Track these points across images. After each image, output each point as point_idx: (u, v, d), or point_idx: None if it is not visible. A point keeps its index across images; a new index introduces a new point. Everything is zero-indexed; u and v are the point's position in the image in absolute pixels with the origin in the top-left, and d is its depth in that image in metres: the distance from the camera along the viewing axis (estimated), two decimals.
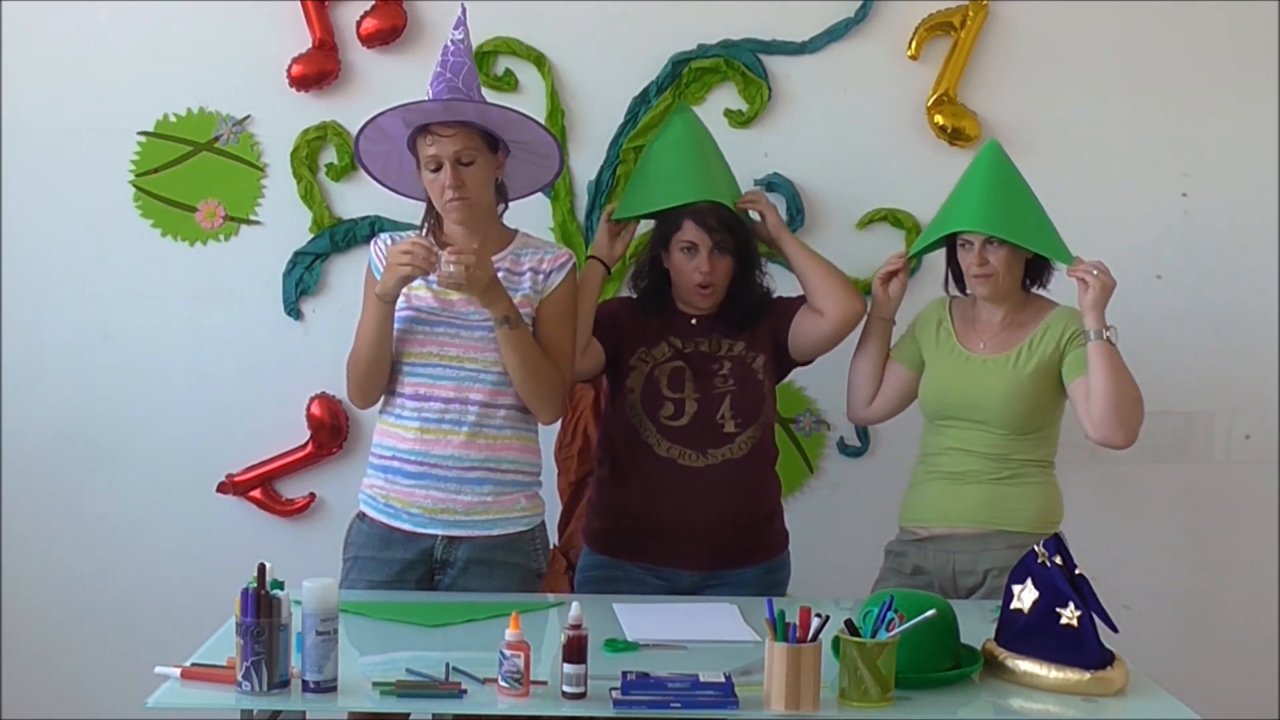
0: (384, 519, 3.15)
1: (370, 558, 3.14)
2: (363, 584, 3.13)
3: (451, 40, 3.14)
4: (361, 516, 3.20)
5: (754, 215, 3.42)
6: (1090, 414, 3.12)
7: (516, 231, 3.24)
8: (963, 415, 3.23)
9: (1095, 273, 3.11)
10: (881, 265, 3.40)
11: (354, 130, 3.77)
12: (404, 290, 3.10)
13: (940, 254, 3.38)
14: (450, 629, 2.85)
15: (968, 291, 3.30)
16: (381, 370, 3.12)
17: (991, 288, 3.21)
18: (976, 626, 2.78)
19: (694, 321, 3.34)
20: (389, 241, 3.15)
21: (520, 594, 3.13)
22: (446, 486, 3.11)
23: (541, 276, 3.16)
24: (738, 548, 3.28)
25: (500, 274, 3.11)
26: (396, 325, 3.12)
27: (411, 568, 3.13)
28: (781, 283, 3.54)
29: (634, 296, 3.44)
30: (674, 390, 3.27)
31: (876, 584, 3.29)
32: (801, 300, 3.35)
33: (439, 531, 3.12)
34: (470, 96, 3.09)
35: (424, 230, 3.19)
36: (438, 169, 3.06)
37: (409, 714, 2.67)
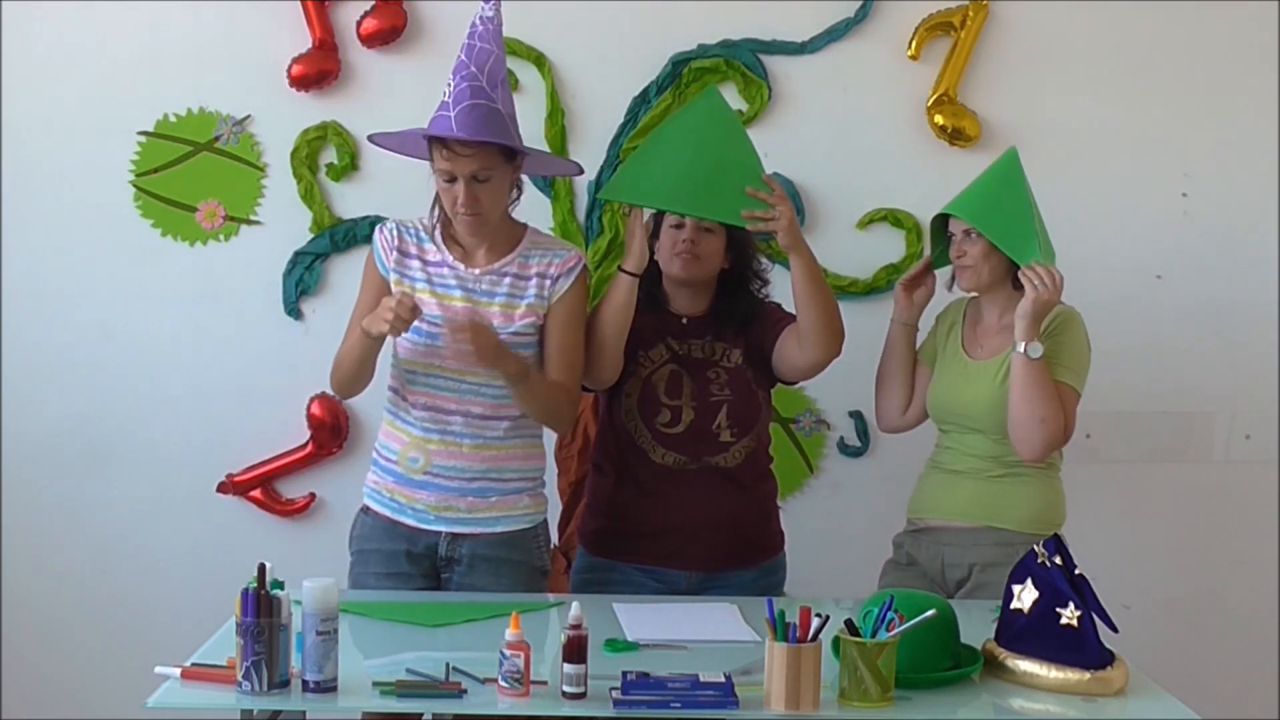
0: (388, 513, 3.13)
1: (375, 550, 3.13)
2: (370, 576, 3.13)
3: (481, 18, 3.02)
4: (366, 510, 3.18)
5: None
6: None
7: (525, 228, 3.18)
8: (957, 420, 3.23)
9: (1037, 282, 3.03)
10: (892, 267, 3.38)
11: (355, 130, 3.81)
12: (407, 293, 3.08)
13: None
14: (450, 629, 2.85)
15: (956, 286, 3.30)
16: (363, 383, 3.14)
17: (970, 280, 3.20)
18: (976, 626, 2.78)
19: (685, 321, 3.31)
20: (395, 230, 3.13)
21: (526, 593, 3.13)
22: (449, 492, 3.10)
23: (549, 282, 3.11)
24: (734, 550, 3.27)
25: (507, 279, 3.09)
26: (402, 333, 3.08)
27: (416, 560, 3.12)
28: (779, 280, 3.54)
29: None
30: (671, 397, 3.26)
31: (881, 575, 3.31)
32: (791, 318, 3.27)
33: (443, 528, 3.11)
34: (493, 100, 2.97)
35: (434, 223, 3.12)
36: (451, 180, 3.00)
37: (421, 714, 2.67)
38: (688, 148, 3.12)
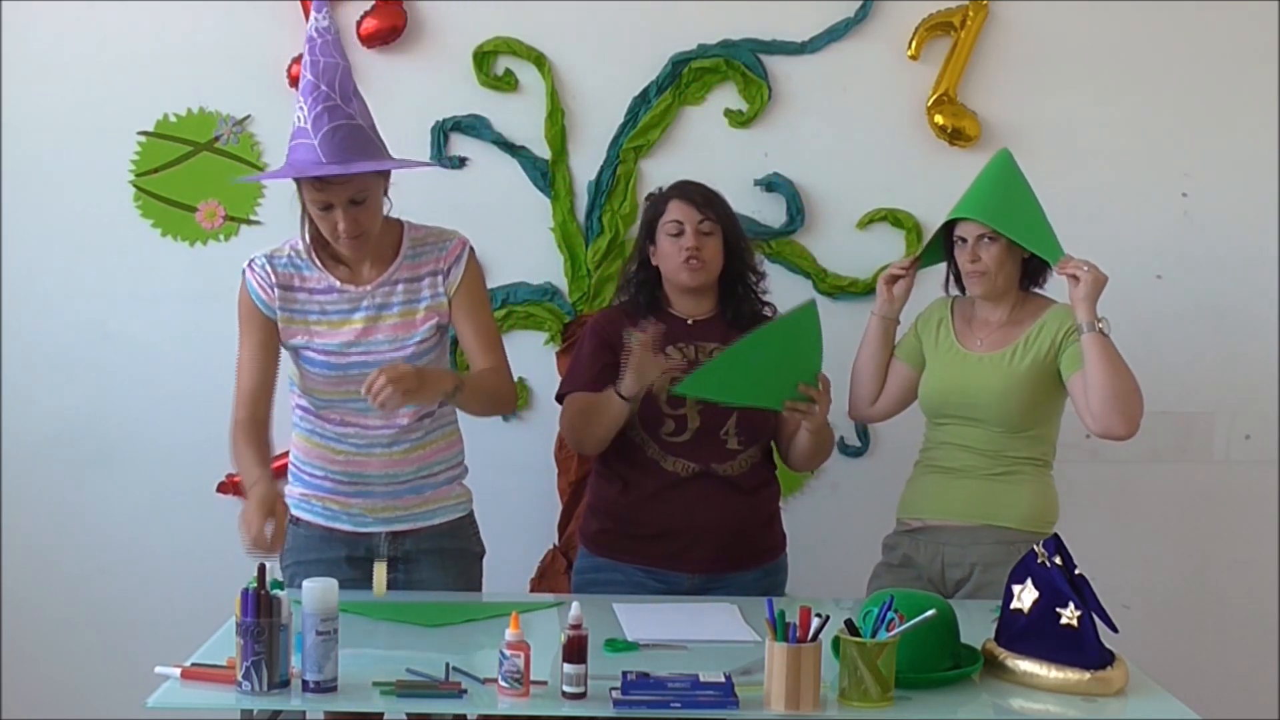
0: (322, 521, 3.08)
1: (315, 560, 3.07)
2: None
3: (316, 30, 2.91)
4: (295, 521, 3.11)
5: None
6: (1089, 406, 3.12)
7: (400, 225, 3.07)
8: (959, 412, 3.23)
9: (1085, 268, 3.10)
10: (887, 266, 3.38)
11: None
12: (304, 330, 3.03)
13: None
14: (450, 629, 2.85)
15: (966, 292, 3.30)
16: None
17: (985, 286, 3.20)
18: (976, 626, 2.78)
19: (690, 323, 3.30)
20: (267, 267, 3.03)
21: (468, 580, 3.15)
22: (384, 497, 3.05)
23: (442, 278, 3.05)
24: (737, 552, 3.26)
25: (400, 286, 3.02)
26: (308, 367, 3.03)
27: (359, 564, 3.07)
28: (779, 280, 3.54)
29: (623, 303, 3.37)
30: (674, 406, 3.22)
31: (871, 578, 3.31)
32: None
33: (381, 529, 3.08)
34: (351, 115, 2.87)
35: (306, 245, 3.04)
36: (327, 208, 2.90)
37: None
38: (770, 353, 3.09)
